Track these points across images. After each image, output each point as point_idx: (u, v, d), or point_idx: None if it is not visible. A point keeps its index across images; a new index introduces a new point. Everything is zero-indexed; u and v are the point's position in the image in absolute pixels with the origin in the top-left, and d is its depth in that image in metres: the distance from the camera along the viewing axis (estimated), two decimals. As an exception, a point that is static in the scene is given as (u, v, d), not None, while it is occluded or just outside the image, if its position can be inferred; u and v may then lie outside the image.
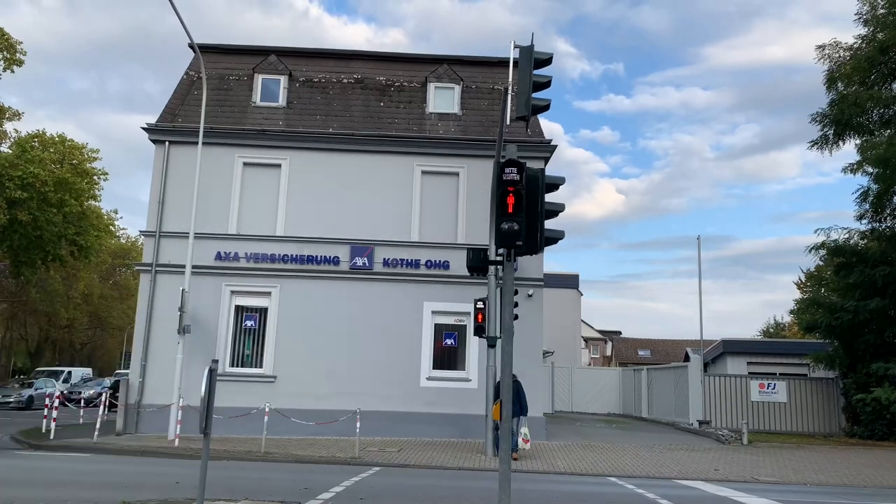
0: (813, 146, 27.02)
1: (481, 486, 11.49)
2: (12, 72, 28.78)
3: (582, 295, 51.06)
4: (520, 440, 15.04)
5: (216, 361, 7.98)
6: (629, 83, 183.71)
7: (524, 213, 7.71)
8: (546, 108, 8.64)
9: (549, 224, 8.31)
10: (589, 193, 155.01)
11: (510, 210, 7.67)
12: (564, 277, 45.91)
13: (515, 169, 7.69)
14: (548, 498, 10.57)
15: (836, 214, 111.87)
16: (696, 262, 27.43)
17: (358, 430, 15.48)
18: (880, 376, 22.47)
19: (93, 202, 34.73)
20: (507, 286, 8.14)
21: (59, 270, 41.99)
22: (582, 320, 53.54)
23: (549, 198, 8.37)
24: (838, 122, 25.62)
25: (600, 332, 72.19)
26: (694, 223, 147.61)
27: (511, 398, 8.06)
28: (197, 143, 18.89)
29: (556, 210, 8.69)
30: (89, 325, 57.78)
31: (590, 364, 60.34)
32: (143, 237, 21.06)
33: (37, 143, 31.30)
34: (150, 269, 19.73)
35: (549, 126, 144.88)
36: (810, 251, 26.02)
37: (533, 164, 8.68)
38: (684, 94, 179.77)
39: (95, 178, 33.66)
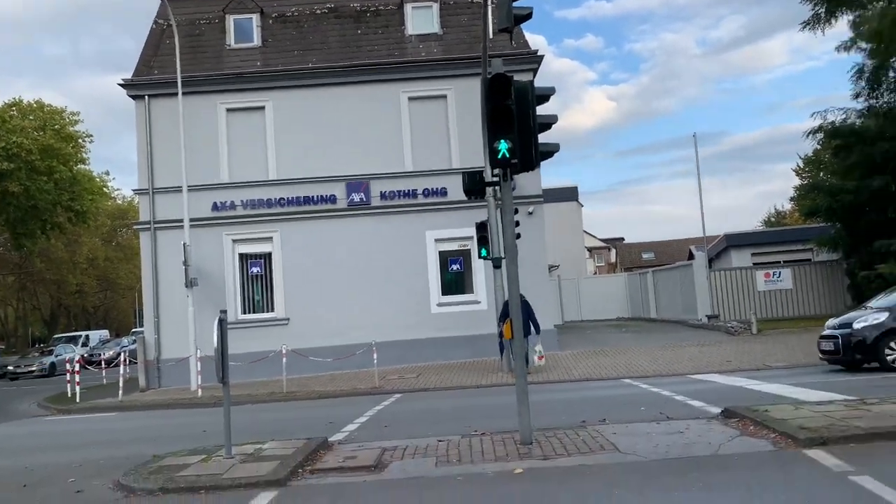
0: (805, 27, 26.12)
1: (502, 401, 11.72)
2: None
3: (582, 206, 50.98)
4: (535, 357, 15.18)
5: (224, 311, 8.04)
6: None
7: (516, 128, 7.53)
8: (528, 16, 8.34)
9: (543, 137, 8.13)
10: (579, 104, 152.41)
11: (502, 127, 7.50)
12: (563, 191, 45.72)
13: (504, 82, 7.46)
14: (565, 405, 10.82)
15: (828, 98, 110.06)
16: (693, 161, 27.46)
17: (375, 361, 15.78)
18: (883, 253, 22.60)
19: (82, 166, 34.38)
20: (507, 206, 8.05)
21: (59, 238, 41.94)
22: (584, 231, 53.62)
23: (541, 110, 8.15)
24: (829, -2, 24.70)
25: (603, 240, 72.47)
26: (687, 122, 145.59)
27: (520, 315, 8.11)
28: (176, 93, 18.46)
29: (548, 122, 8.46)
30: (99, 288, 58.19)
31: (595, 273, 60.83)
32: (137, 196, 20.89)
33: (15, 112, 30.71)
34: (148, 227, 19.67)
35: (532, 38, 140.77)
36: (808, 136, 25.70)
37: (521, 78, 8.41)
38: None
39: (80, 141, 33.19)
